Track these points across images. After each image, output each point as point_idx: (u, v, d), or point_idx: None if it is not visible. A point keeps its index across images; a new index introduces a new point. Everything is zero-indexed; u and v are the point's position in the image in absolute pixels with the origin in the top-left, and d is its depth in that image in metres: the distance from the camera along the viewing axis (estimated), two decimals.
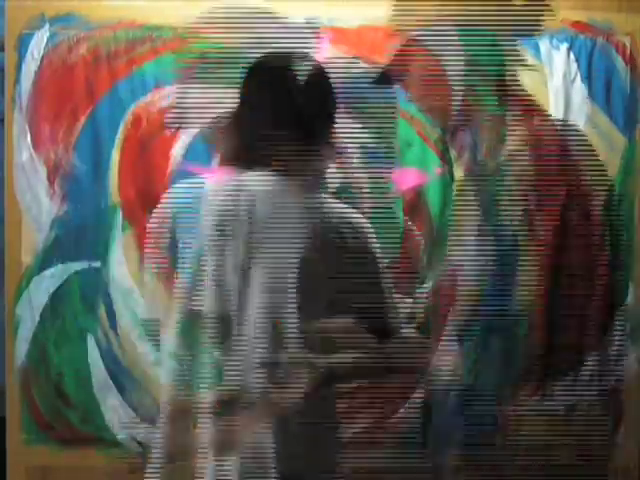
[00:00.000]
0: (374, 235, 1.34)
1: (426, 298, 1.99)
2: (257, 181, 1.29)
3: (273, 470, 1.25)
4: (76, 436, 2.02)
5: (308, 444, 1.28)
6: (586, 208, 2.05)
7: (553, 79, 2.02)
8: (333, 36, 1.98)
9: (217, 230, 1.31)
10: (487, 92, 1.99)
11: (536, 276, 2.03)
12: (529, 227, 2.03)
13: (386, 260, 1.91)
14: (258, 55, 1.36)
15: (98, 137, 1.98)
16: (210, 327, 1.31)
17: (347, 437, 1.98)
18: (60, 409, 2.01)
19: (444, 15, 1.99)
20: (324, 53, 1.97)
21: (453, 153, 1.97)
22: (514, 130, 2.01)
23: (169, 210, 1.94)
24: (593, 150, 2.04)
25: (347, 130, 1.98)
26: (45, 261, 1.99)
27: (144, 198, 1.96)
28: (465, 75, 1.96)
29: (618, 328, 2.06)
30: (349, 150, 1.98)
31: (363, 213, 1.36)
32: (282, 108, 1.29)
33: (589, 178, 2.04)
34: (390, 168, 1.99)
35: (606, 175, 2.05)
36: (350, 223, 1.31)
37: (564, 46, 2.02)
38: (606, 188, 2.05)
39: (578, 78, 2.02)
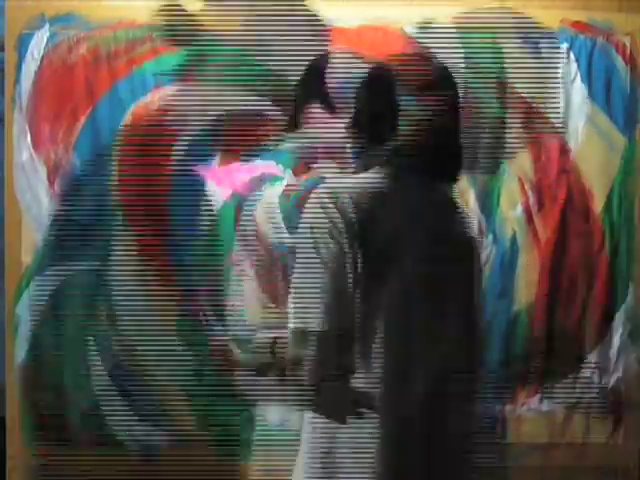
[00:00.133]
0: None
1: None
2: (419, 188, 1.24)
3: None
4: (76, 436, 2.02)
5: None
6: (586, 208, 2.05)
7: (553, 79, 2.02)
8: (333, 36, 1.98)
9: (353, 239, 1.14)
10: (487, 94, 1.99)
11: (536, 276, 2.03)
12: (529, 227, 2.03)
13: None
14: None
15: (98, 137, 1.98)
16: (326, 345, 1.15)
17: None
18: (60, 409, 2.01)
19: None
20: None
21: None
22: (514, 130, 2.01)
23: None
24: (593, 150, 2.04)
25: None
26: (45, 261, 1.99)
27: (144, 198, 1.96)
28: (465, 75, 1.96)
29: (618, 328, 2.06)
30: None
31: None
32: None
33: (589, 178, 2.04)
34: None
35: (606, 175, 2.05)
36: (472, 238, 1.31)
37: (564, 46, 2.02)
38: (606, 188, 2.05)
39: (578, 78, 2.02)
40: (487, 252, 2.01)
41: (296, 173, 1.98)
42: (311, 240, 1.15)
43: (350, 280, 1.14)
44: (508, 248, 2.02)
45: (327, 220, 1.15)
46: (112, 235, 1.98)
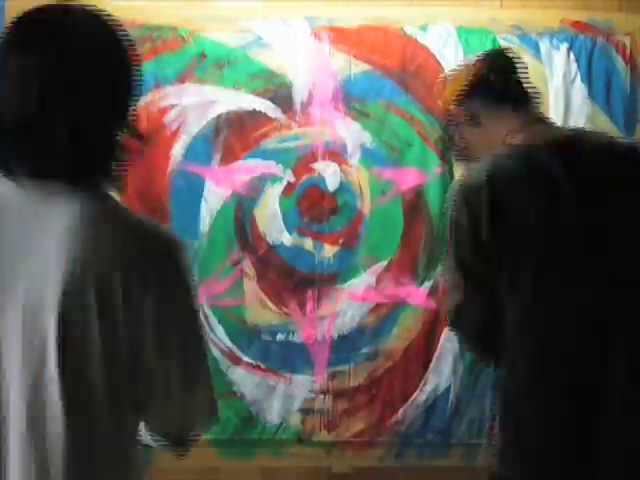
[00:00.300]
0: None
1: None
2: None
3: None
4: None
5: None
6: None
7: (553, 79, 2.02)
8: (333, 36, 1.98)
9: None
10: None
11: None
12: None
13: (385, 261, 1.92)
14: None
15: None
16: None
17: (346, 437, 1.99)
18: None
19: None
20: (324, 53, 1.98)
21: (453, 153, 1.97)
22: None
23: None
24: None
25: (347, 130, 1.98)
26: None
27: (144, 198, 1.96)
28: None
29: None
30: (349, 150, 1.98)
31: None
32: None
33: None
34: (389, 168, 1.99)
35: None
36: None
37: (564, 46, 2.02)
38: None
39: (578, 78, 2.02)
40: None
41: (296, 173, 1.98)
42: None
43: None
44: None
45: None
46: None
